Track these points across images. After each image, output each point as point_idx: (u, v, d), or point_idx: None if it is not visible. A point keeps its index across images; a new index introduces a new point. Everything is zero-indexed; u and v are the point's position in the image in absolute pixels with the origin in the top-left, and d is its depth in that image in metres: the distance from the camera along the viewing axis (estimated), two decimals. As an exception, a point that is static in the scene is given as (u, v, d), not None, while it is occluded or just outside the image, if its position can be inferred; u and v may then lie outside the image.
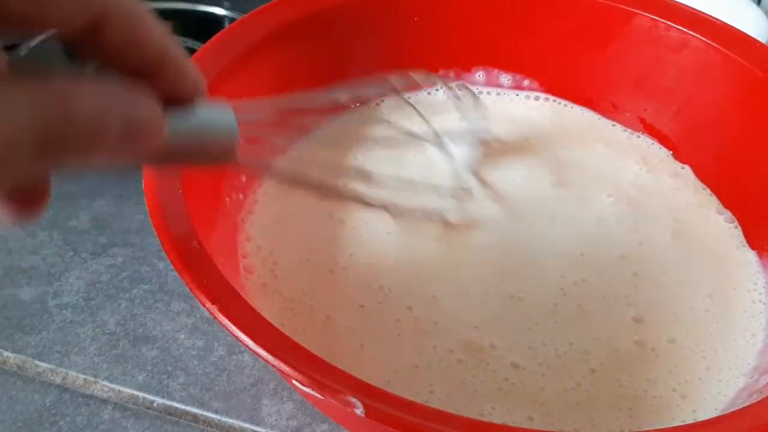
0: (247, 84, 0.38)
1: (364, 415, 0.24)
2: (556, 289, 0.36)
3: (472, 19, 0.44)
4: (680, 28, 0.41)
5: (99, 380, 0.38)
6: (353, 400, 0.24)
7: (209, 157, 0.28)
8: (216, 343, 0.39)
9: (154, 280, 0.42)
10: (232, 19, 0.57)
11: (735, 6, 0.56)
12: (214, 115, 0.28)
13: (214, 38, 0.38)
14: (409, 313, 0.35)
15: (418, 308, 0.35)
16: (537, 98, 0.47)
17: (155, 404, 0.37)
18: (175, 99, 0.23)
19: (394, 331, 0.34)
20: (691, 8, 0.43)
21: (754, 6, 0.57)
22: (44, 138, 0.17)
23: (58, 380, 0.38)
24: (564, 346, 0.34)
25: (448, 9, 0.44)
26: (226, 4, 0.59)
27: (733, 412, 0.29)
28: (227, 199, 0.37)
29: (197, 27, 0.56)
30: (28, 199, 0.21)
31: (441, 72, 0.46)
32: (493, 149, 0.42)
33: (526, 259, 0.37)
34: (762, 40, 0.52)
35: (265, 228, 0.38)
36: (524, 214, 0.40)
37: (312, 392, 0.24)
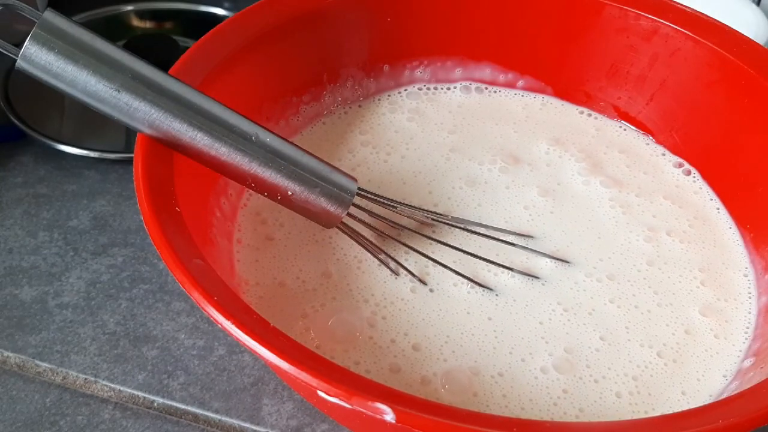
0: (238, 83, 0.38)
1: (394, 422, 0.23)
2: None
3: (444, 14, 0.45)
4: (649, 16, 0.43)
5: (99, 380, 0.38)
6: (383, 407, 0.24)
7: (323, 197, 0.33)
8: (216, 343, 0.39)
9: (154, 279, 0.42)
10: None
11: (734, 6, 0.56)
12: (341, 174, 0.34)
13: (203, 38, 0.38)
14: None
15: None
16: (515, 94, 0.47)
17: (155, 404, 0.37)
18: None
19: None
20: None
21: (753, 6, 0.57)
22: None
23: (58, 380, 0.38)
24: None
25: (422, 4, 0.45)
26: (226, 4, 0.59)
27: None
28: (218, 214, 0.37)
29: (197, 27, 0.57)
30: None
31: (416, 63, 0.46)
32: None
33: None
34: (761, 40, 0.52)
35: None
36: None
37: (340, 402, 0.24)
